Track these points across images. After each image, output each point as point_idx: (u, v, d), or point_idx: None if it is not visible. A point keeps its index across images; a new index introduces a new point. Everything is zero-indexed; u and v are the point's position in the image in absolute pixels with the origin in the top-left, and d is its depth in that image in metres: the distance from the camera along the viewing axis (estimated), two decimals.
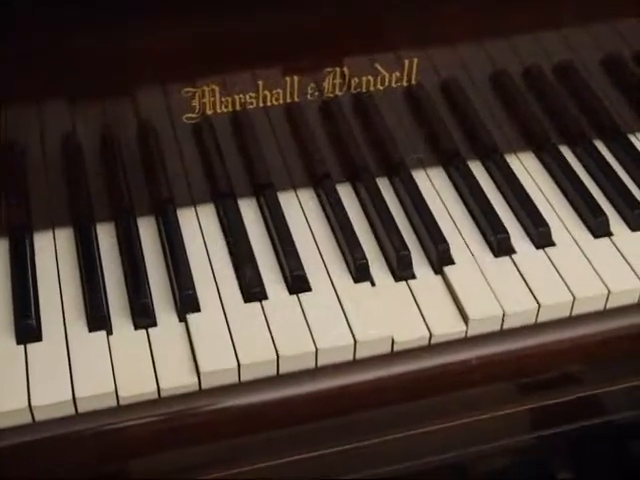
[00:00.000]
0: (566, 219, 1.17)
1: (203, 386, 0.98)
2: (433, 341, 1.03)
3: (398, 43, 1.12)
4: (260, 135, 1.15)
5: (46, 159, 1.08)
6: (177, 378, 0.97)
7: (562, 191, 1.21)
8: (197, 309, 1.04)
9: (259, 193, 1.18)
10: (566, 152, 1.26)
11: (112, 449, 0.98)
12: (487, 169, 1.23)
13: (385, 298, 1.06)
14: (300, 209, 1.17)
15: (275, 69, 1.09)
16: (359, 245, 1.10)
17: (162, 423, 0.98)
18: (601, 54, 1.23)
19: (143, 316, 1.02)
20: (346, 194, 1.19)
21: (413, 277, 1.08)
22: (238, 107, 1.11)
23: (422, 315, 1.04)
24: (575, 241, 1.13)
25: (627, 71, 1.26)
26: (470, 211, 1.17)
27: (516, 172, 1.22)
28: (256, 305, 1.04)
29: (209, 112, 1.10)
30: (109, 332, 1.01)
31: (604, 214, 1.15)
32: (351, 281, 1.08)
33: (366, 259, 1.08)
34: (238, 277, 1.08)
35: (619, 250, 1.12)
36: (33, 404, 0.94)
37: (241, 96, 1.10)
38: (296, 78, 1.10)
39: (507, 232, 1.12)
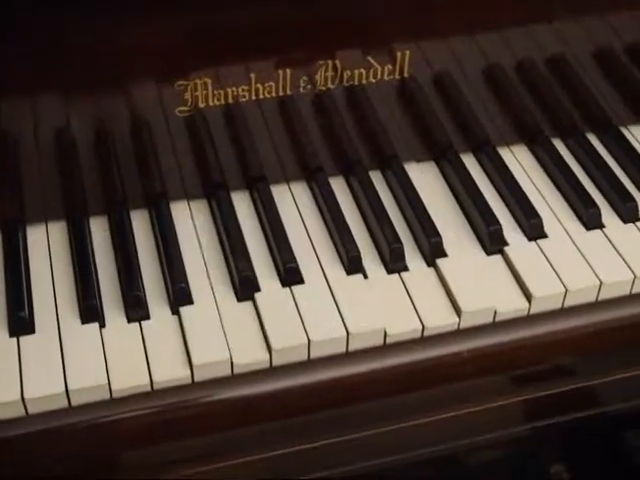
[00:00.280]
0: (558, 211, 1.17)
1: (196, 379, 0.98)
2: (425, 333, 1.03)
3: (390, 36, 1.12)
4: (253, 128, 1.15)
5: (39, 152, 1.08)
6: (170, 371, 0.97)
7: (554, 183, 1.21)
8: (190, 302, 1.04)
9: (252, 186, 1.18)
10: (558, 145, 1.26)
11: (105, 442, 0.98)
12: (479, 162, 1.23)
13: (378, 290, 1.06)
14: (293, 202, 1.17)
15: (267, 62, 1.09)
16: (351, 237, 1.10)
17: (155, 416, 0.98)
18: (593, 47, 1.23)
19: (136, 309, 1.02)
20: (339, 187, 1.19)
21: (405, 270, 1.09)
22: (230, 100, 1.11)
23: (415, 307, 1.04)
24: (567, 233, 1.13)
25: (619, 64, 1.26)
26: (462, 204, 1.17)
27: (509, 165, 1.22)
28: (249, 297, 1.04)
29: (201, 105, 1.10)
30: (102, 325, 1.01)
31: (596, 206, 1.15)
32: (344, 273, 1.08)
33: (358, 251, 1.08)
34: (230, 270, 1.08)
35: (611, 242, 1.12)
36: (26, 397, 0.94)
37: (233, 89, 1.10)
38: (288, 71, 1.10)
39: (499, 224, 1.12)
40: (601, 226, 1.14)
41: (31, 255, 1.09)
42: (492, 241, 1.11)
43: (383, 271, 1.08)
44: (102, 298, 1.04)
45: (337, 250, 1.10)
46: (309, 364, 1.01)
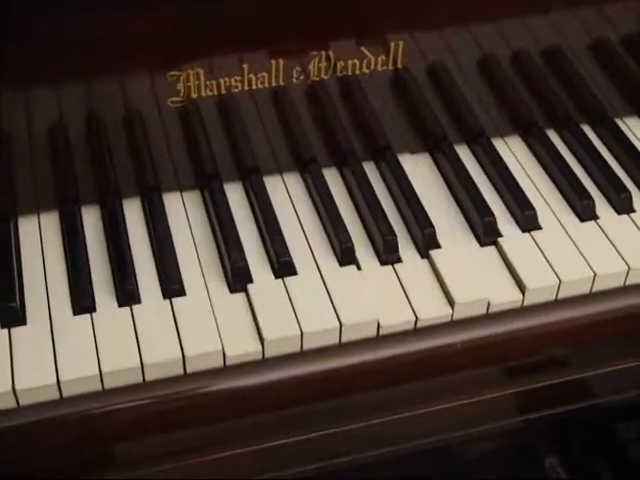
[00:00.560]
0: (552, 202, 1.17)
1: (188, 370, 0.98)
2: (419, 325, 1.03)
3: (383, 26, 1.11)
4: (246, 119, 1.14)
5: (31, 143, 1.08)
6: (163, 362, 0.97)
7: (549, 175, 1.21)
8: (182, 293, 1.03)
9: (245, 177, 1.17)
10: (553, 136, 1.25)
11: (97, 434, 0.98)
12: (474, 153, 1.23)
13: (371, 282, 1.05)
14: (286, 193, 1.16)
15: (260, 52, 1.09)
16: (345, 229, 1.10)
17: (147, 407, 0.97)
18: (588, 38, 1.23)
19: (129, 300, 1.02)
20: (332, 178, 1.18)
21: (399, 261, 1.08)
22: (223, 91, 1.10)
23: (408, 299, 1.04)
24: (561, 224, 1.13)
25: (614, 55, 1.25)
26: (456, 195, 1.17)
27: (503, 156, 1.21)
28: (241, 288, 1.04)
29: (194, 96, 1.09)
30: (94, 315, 1.01)
31: (590, 197, 1.15)
32: (337, 265, 1.07)
33: (351, 243, 1.08)
34: (223, 261, 1.07)
35: (605, 233, 1.12)
36: (17, 388, 0.94)
37: (226, 79, 1.09)
38: (281, 61, 1.10)
39: (493, 215, 1.11)
40: (595, 217, 1.14)
41: (23, 246, 1.09)
42: (486, 232, 1.11)
43: (376, 262, 1.08)
44: (94, 289, 1.04)
45: (330, 241, 1.10)
46: (302, 356, 1.01)
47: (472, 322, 1.05)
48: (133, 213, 1.13)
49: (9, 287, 1.02)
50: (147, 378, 0.97)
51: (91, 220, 1.12)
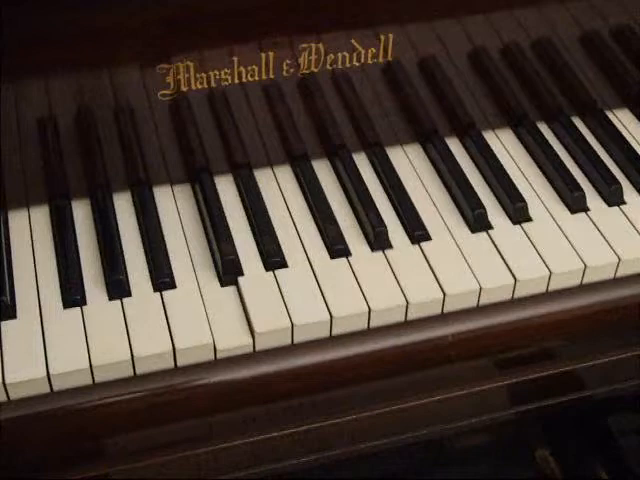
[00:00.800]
0: (543, 195, 1.17)
1: (179, 363, 0.98)
2: (410, 313, 1.03)
3: (373, 19, 1.11)
4: (236, 112, 1.14)
5: (21, 137, 1.08)
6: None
7: (539, 167, 1.21)
8: (172, 286, 1.03)
9: (236, 170, 1.17)
10: (544, 128, 1.26)
11: (88, 427, 0.98)
12: (464, 145, 1.23)
13: (362, 274, 1.05)
14: (277, 186, 1.16)
15: (250, 45, 1.09)
16: (335, 221, 1.10)
17: (138, 401, 0.97)
18: (579, 30, 1.22)
19: (118, 292, 1.02)
20: (323, 170, 1.18)
21: (390, 247, 1.08)
22: (213, 84, 1.10)
23: (401, 288, 1.03)
24: (552, 216, 1.13)
25: (605, 48, 1.25)
26: (447, 187, 1.17)
27: (494, 149, 1.21)
28: (232, 281, 1.04)
29: (184, 89, 1.09)
30: (84, 309, 1.01)
31: (581, 189, 1.15)
32: (327, 257, 1.07)
33: (342, 235, 1.08)
34: (214, 254, 1.07)
35: (596, 225, 1.12)
36: (7, 381, 0.93)
37: (216, 72, 1.09)
38: (271, 54, 1.10)
39: (484, 207, 1.12)
40: (586, 209, 1.14)
41: (13, 240, 1.08)
42: (476, 224, 1.11)
43: (367, 254, 1.08)
44: (85, 282, 1.04)
45: (321, 234, 1.10)
46: (293, 349, 1.01)
47: (463, 314, 1.05)
48: (123, 207, 1.13)
49: None
50: (138, 371, 0.97)
51: (81, 214, 1.12)
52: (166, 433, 1.02)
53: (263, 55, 1.10)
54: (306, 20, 1.09)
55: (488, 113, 1.25)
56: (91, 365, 0.95)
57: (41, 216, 1.11)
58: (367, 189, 1.14)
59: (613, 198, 1.15)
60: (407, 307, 1.02)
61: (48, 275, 1.05)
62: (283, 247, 1.07)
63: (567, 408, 1.23)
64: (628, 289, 1.10)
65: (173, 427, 1.01)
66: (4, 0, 0.96)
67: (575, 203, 1.14)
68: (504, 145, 1.24)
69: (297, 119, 1.17)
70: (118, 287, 1.02)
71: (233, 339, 0.99)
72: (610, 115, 1.28)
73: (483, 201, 1.13)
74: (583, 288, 1.08)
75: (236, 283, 1.04)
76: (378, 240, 1.08)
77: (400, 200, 1.14)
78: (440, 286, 1.04)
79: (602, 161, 1.20)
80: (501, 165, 1.19)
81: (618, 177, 1.17)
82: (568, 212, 1.14)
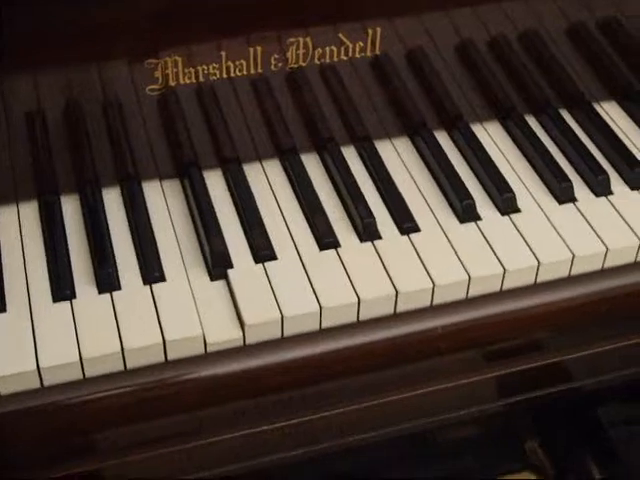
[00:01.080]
0: (531, 186, 1.17)
1: (169, 357, 0.98)
2: (399, 303, 1.03)
3: (360, 12, 1.11)
4: (225, 107, 1.14)
5: (9, 132, 1.07)
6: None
7: (527, 159, 1.21)
8: (162, 280, 1.03)
9: (225, 165, 1.17)
10: (531, 121, 1.26)
11: (78, 422, 0.98)
12: (452, 138, 1.23)
13: (351, 265, 1.05)
14: (266, 180, 1.17)
15: (238, 40, 1.09)
16: (324, 213, 1.10)
17: (128, 395, 0.97)
18: (566, 23, 1.23)
19: (108, 286, 1.02)
20: (312, 163, 1.18)
21: (379, 238, 1.08)
22: (202, 78, 1.10)
23: (390, 278, 1.03)
24: (540, 207, 1.14)
25: (592, 40, 1.26)
26: (436, 179, 1.17)
27: (482, 141, 1.22)
28: (221, 274, 1.04)
29: (172, 84, 1.09)
30: (74, 302, 1.01)
31: (568, 180, 1.15)
32: (317, 249, 1.07)
33: (331, 227, 1.08)
34: (203, 247, 1.07)
35: (584, 215, 1.12)
36: None
37: (204, 67, 1.09)
38: (259, 49, 1.10)
39: (472, 198, 1.12)
40: (573, 200, 1.15)
41: (2, 235, 1.08)
42: (465, 215, 1.11)
43: (357, 246, 1.08)
44: (74, 276, 1.04)
45: (310, 226, 1.10)
46: (283, 342, 1.01)
47: (453, 306, 1.05)
48: (113, 201, 1.13)
49: None
50: (128, 365, 0.97)
51: (70, 209, 1.12)
52: (156, 428, 1.02)
53: (251, 50, 1.10)
54: (294, 14, 1.09)
55: (476, 106, 1.25)
56: (81, 358, 0.95)
57: (30, 211, 1.11)
58: (356, 182, 1.14)
59: (600, 188, 1.16)
60: (396, 298, 1.02)
61: (38, 269, 1.04)
62: (272, 240, 1.07)
63: (556, 399, 1.23)
64: (616, 280, 1.10)
65: (163, 422, 1.01)
66: None
67: (563, 194, 1.14)
68: (492, 138, 1.24)
69: (286, 113, 1.17)
70: (108, 280, 1.02)
71: (223, 332, 0.99)
72: (597, 107, 1.29)
73: (471, 193, 1.13)
74: (571, 280, 1.09)
75: (226, 276, 1.04)
76: (367, 231, 1.08)
77: (389, 192, 1.14)
78: (429, 276, 1.04)
79: (589, 152, 1.20)
80: (489, 157, 1.19)
81: (605, 168, 1.18)
82: (556, 203, 1.14)
